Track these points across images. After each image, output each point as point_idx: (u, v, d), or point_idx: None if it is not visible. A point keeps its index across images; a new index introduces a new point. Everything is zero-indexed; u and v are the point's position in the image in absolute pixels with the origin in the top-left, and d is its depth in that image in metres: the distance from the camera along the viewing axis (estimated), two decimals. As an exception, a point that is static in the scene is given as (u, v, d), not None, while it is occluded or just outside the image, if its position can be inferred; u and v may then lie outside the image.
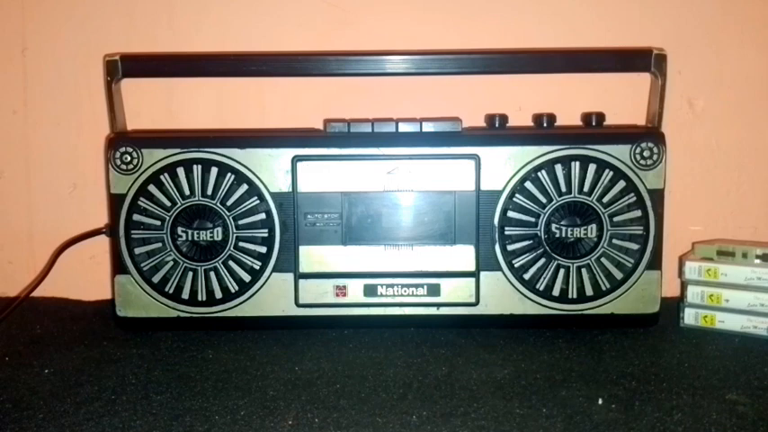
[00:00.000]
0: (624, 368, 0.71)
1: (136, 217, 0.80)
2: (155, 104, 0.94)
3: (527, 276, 0.81)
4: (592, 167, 0.79)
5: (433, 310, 0.81)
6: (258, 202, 0.80)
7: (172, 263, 0.81)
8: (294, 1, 0.93)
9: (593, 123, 0.83)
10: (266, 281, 0.81)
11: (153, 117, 0.93)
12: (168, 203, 0.80)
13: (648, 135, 0.80)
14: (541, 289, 0.81)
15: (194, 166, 0.80)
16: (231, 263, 0.81)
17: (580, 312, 0.81)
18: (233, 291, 0.81)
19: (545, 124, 0.83)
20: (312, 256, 0.81)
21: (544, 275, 0.81)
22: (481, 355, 0.75)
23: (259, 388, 0.67)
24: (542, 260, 0.81)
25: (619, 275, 0.80)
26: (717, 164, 0.94)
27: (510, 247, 0.81)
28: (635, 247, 0.80)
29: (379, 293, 0.81)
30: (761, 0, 0.92)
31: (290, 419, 0.61)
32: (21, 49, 0.94)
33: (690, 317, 0.82)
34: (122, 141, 0.81)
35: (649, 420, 0.60)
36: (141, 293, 0.81)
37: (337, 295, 0.81)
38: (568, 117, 0.85)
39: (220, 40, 0.93)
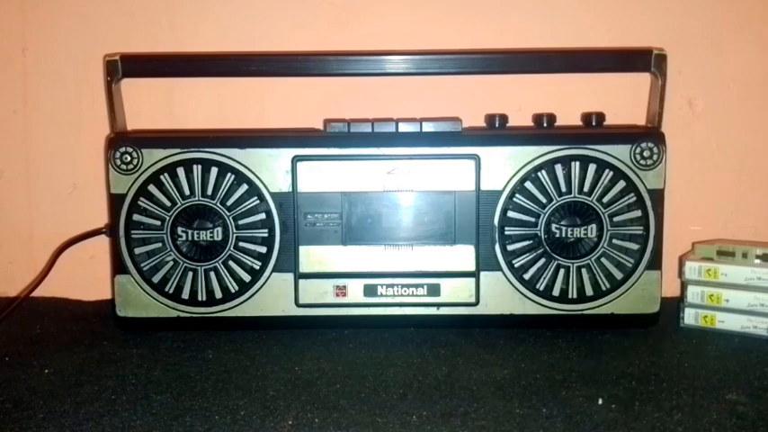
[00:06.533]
0: (624, 368, 0.71)
1: (136, 217, 0.80)
2: (155, 104, 0.94)
3: (527, 276, 0.81)
4: (592, 167, 0.79)
5: (433, 310, 0.81)
6: (258, 202, 0.80)
7: (172, 263, 0.81)
8: (294, 1, 0.93)
9: (593, 123, 0.83)
10: (266, 281, 0.81)
11: (153, 117, 0.93)
12: (168, 203, 0.80)
13: (648, 135, 0.80)
14: (541, 289, 0.81)
15: (194, 166, 0.80)
16: (231, 263, 0.81)
17: (580, 312, 0.81)
18: (233, 291, 0.81)
19: (545, 124, 0.84)
20: (312, 256, 0.81)
21: (544, 275, 0.81)
22: (481, 355, 0.75)
23: (259, 388, 0.67)
24: (542, 260, 0.81)
25: (619, 275, 0.80)
26: (717, 164, 0.94)
27: (510, 247, 0.81)
28: (635, 247, 0.80)
29: (379, 293, 0.81)
30: (761, 0, 0.92)
31: (290, 419, 0.61)
32: (21, 49, 0.94)
33: (690, 317, 0.82)
34: (122, 141, 0.81)
35: (649, 420, 0.60)
36: (141, 293, 0.81)
37: (337, 295, 0.81)
38: (568, 117, 0.85)
39: (220, 40, 0.93)
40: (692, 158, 0.94)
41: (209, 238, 0.80)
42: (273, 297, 0.81)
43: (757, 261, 0.79)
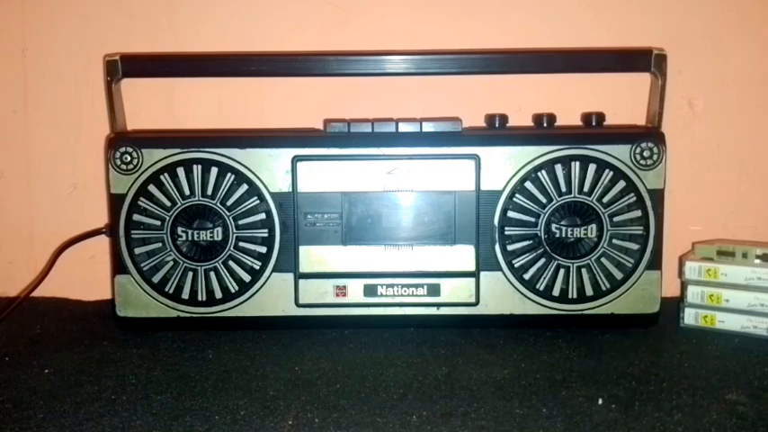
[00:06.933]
0: (624, 368, 0.71)
1: (136, 217, 0.81)
2: (155, 104, 0.94)
3: (527, 276, 0.81)
4: (592, 167, 0.79)
5: (433, 310, 0.81)
6: (258, 202, 0.80)
7: (172, 263, 0.81)
8: (294, 1, 0.93)
9: (593, 123, 0.83)
10: (266, 281, 0.81)
11: (153, 117, 0.93)
12: (168, 203, 0.80)
13: (648, 135, 0.80)
14: (541, 289, 0.81)
15: (194, 166, 0.80)
16: (231, 263, 0.81)
17: (580, 312, 0.81)
18: (233, 291, 0.81)
19: (545, 124, 0.84)
20: (312, 256, 0.81)
21: (544, 275, 0.81)
22: (481, 355, 0.75)
23: (259, 388, 0.67)
24: (542, 260, 0.81)
25: (619, 275, 0.80)
26: (717, 164, 0.94)
27: (510, 247, 0.81)
28: (635, 247, 0.80)
29: (379, 293, 0.81)
30: (761, 0, 0.92)
31: (290, 419, 0.61)
32: (21, 49, 0.94)
33: (690, 317, 0.82)
34: (122, 141, 0.81)
35: (649, 420, 0.60)
36: (141, 293, 0.81)
37: (337, 295, 0.81)
38: (568, 117, 0.85)
39: (220, 40, 0.93)
40: (692, 158, 0.94)
41: (209, 238, 0.80)
42: (273, 297, 0.81)
43: (757, 261, 0.79)
